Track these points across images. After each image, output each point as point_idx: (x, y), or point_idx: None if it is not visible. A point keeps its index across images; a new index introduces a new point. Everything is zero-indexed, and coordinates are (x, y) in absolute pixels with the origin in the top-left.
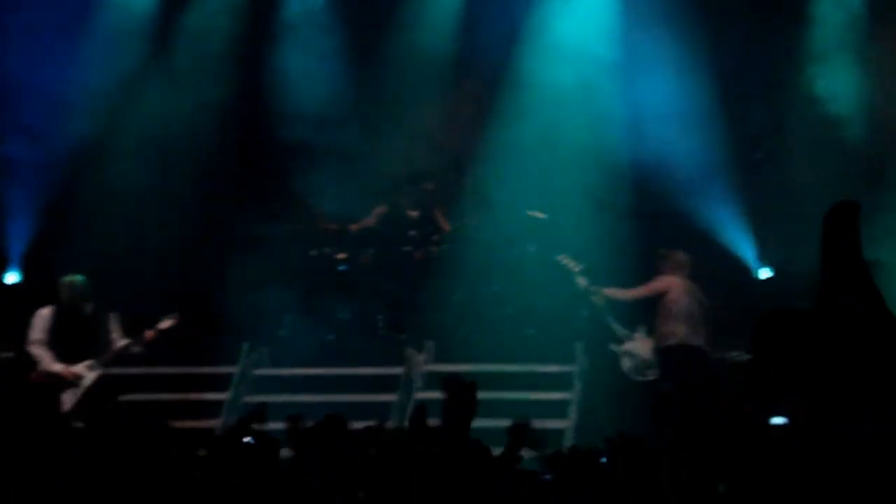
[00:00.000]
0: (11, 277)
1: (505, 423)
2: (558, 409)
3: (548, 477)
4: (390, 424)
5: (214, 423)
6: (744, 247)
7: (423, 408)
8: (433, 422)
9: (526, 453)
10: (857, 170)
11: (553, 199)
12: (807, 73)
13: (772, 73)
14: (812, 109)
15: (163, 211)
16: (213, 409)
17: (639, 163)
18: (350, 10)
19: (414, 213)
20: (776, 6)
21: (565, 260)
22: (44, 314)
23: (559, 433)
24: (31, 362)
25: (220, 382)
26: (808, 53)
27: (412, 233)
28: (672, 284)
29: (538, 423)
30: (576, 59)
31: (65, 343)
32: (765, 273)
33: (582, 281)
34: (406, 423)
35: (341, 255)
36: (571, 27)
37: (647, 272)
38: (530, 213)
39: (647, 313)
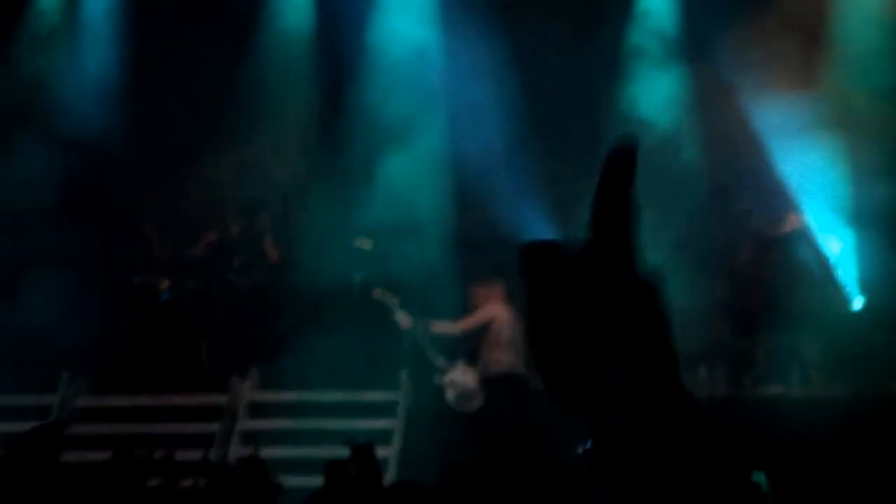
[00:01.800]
0: None
1: (330, 451)
2: (383, 437)
3: None
4: (213, 455)
5: None
6: None
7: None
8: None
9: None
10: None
11: (379, 227)
12: (626, 92)
13: (589, 90)
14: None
15: None
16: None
17: (462, 191)
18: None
19: (242, 242)
20: (592, 21)
21: (381, 295)
22: None
23: (384, 461)
24: None
25: (40, 413)
26: (625, 72)
27: (239, 261)
28: (496, 313)
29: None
30: (398, 84)
31: None
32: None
33: (403, 318)
34: (227, 454)
35: (164, 284)
36: (392, 43)
37: (468, 301)
38: (357, 241)
39: (467, 342)
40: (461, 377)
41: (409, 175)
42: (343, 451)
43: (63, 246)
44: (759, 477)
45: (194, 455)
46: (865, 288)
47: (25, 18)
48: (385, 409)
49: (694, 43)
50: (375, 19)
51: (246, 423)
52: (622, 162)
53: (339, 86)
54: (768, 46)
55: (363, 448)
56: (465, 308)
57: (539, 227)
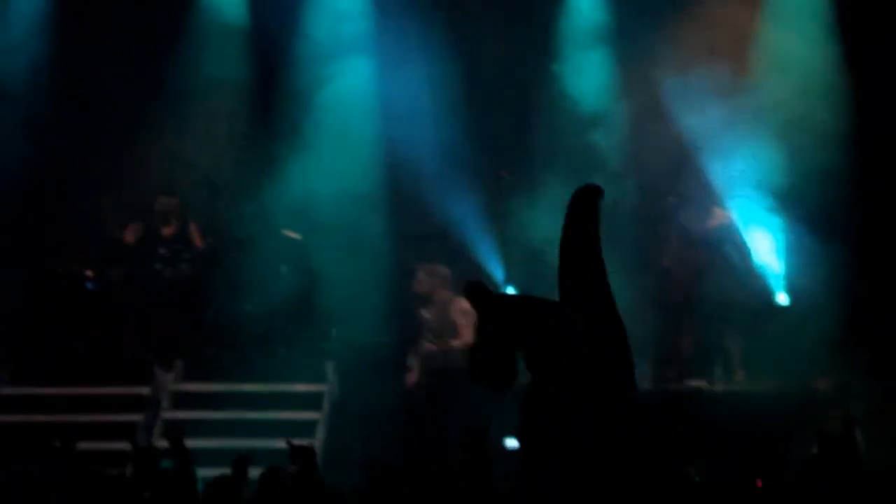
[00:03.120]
0: None
1: (253, 442)
2: (307, 429)
3: None
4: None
5: None
6: (494, 266)
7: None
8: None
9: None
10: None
11: (309, 218)
12: (555, 73)
13: (520, 72)
14: (562, 112)
15: None
16: None
17: (394, 179)
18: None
19: (168, 231)
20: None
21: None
22: None
23: None
24: None
25: None
26: (556, 53)
27: (163, 251)
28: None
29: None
30: (331, 73)
31: None
32: (509, 291)
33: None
34: (152, 443)
35: (89, 272)
36: (325, 29)
37: (402, 291)
38: (285, 232)
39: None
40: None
41: (341, 166)
42: (268, 443)
43: None
44: (691, 469)
45: (119, 445)
46: (790, 284)
47: None
48: (310, 401)
49: (623, 34)
50: (308, 6)
51: (169, 413)
52: (586, 205)
53: (270, 74)
54: (699, 42)
55: (303, 450)
56: (407, 295)
57: (472, 219)
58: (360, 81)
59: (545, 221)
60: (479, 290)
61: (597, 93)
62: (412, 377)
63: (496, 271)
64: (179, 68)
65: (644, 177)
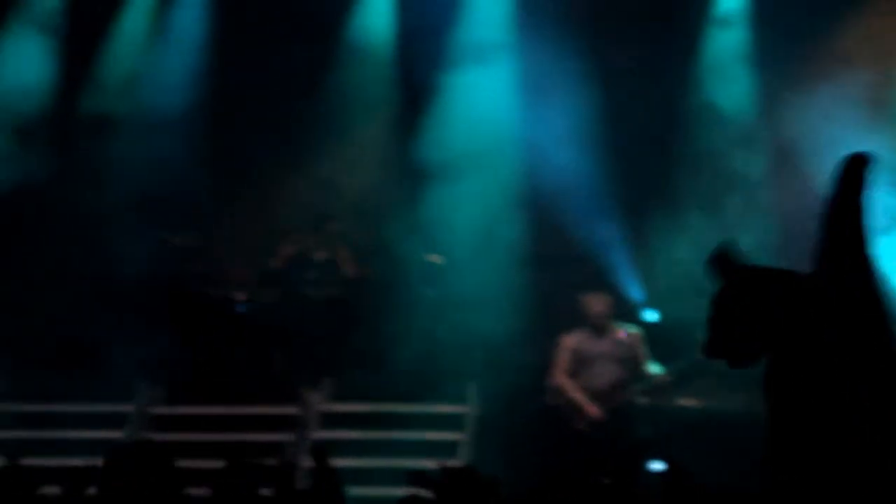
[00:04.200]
0: None
1: (399, 462)
2: (450, 449)
3: None
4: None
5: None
6: (634, 291)
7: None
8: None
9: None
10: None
11: (453, 243)
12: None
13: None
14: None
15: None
16: (105, 447)
17: (534, 202)
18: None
19: (319, 256)
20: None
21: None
22: None
23: None
24: None
25: (116, 421)
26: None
27: (314, 274)
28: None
29: (430, 464)
30: (475, 103)
31: None
32: (651, 316)
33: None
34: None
35: (240, 296)
36: (470, 55)
37: (549, 317)
38: (428, 257)
39: None
40: None
41: (486, 193)
42: (414, 463)
43: (141, 256)
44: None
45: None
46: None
47: (118, 19)
48: (453, 422)
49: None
50: (454, 39)
51: (317, 433)
52: (853, 172)
53: (416, 103)
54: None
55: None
56: (553, 323)
57: (613, 246)
58: (502, 107)
59: (686, 249)
60: (726, 259)
61: (743, 117)
62: (592, 410)
63: (636, 295)
64: (328, 93)
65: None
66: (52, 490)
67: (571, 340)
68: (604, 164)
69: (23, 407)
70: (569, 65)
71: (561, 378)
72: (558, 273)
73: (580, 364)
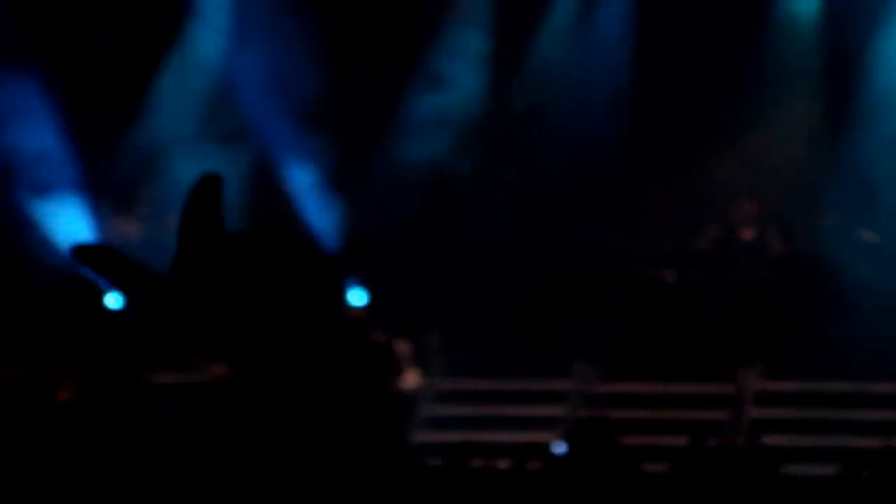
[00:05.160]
0: None
1: (841, 441)
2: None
3: None
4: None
5: (547, 436)
6: None
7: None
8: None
9: None
10: None
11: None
12: None
13: None
14: None
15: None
16: (547, 423)
17: None
18: None
19: (747, 235)
20: None
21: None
22: None
23: None
24: None
25: (554, 398)
26: None
27: (742, 253)
28: None
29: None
30: None
31: None
32: None
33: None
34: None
35: (669, 275)
36: None
37: None
38: (863, 234)
39: None
40: None
41: None
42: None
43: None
44: None
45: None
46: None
47: (546, 11)
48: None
49: None
50: (885, 19)
51: (753, 412)
52: (209, 193)
53: (845, 79)
54: None
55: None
56: None
57: None
58: None
59: None
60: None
61: None
62: None
63: None
64: (752, 71)
65: None
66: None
67: None
68: None
69: (463, 384)
70: None
71: None
72: None
73: None
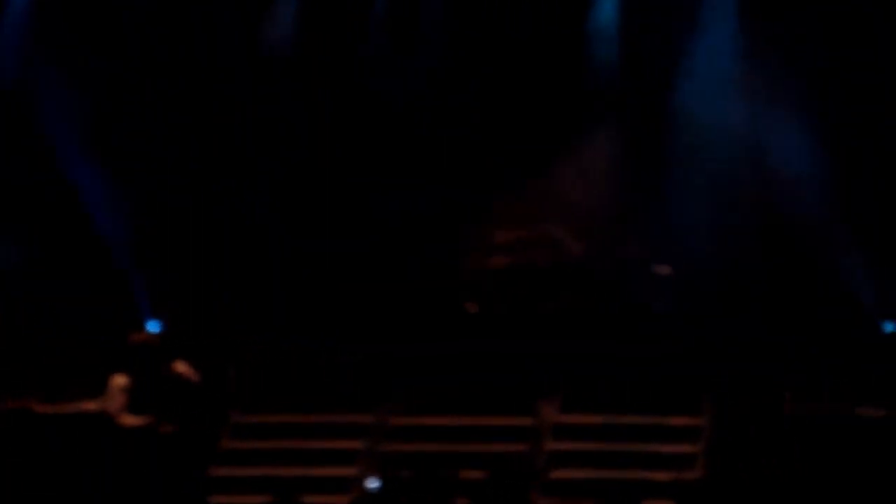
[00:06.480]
0: None
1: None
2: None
3: None
4: None
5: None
6: None
7: None
8: None
9: None
10: None
11: None
12: None
13: None
14: None
15: None
16: (348, 457)
17: None
18: None
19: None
20: None
21: None
22: None
23: None
24: None
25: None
26: None
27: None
28: None
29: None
30: None
31: None
32: None
33: None
34: None
35: (472, 306)
36: None
37: None
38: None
39: None
40: None
41: None
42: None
43: None
44: None
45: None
46: None
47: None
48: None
49: None
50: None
51: (551, 445)
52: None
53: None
54: None
55: None
56: None
57: None
58: None
59: None
60: None
61: None
62: None
63: None
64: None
65: None
66: None
67: None
68: None
69: (263, 418)
70: None
71: None
72: None
73: None
